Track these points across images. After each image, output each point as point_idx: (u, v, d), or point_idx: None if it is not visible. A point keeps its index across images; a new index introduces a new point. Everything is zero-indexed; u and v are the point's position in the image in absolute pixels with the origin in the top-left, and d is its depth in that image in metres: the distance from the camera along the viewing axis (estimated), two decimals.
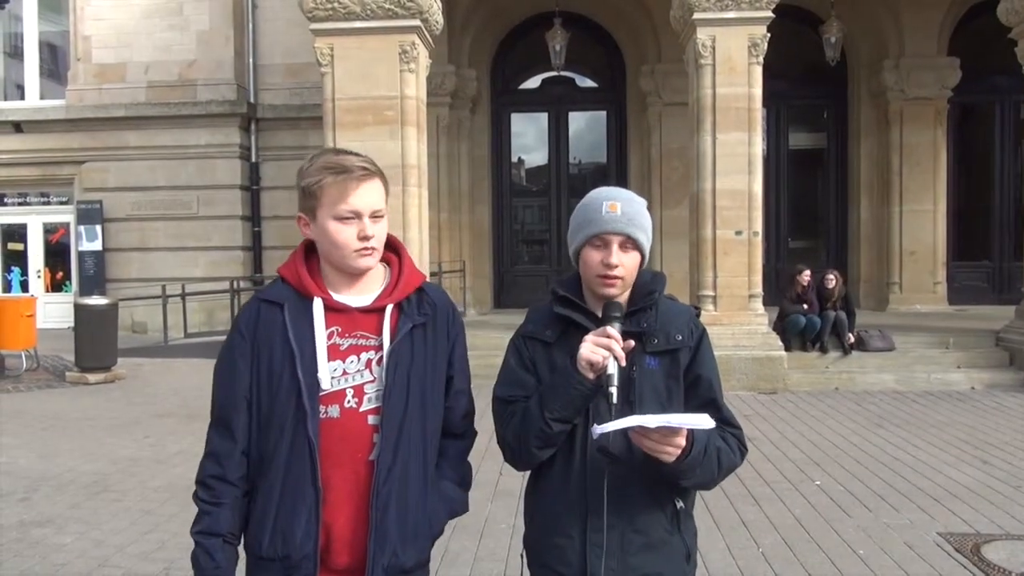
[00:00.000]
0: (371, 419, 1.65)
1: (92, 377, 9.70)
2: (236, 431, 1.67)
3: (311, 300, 1.66)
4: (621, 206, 1.71)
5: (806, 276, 9.93)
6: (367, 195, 1.63)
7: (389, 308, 1.69)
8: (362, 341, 1.67)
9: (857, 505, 4.95)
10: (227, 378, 1.69)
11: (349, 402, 1.64)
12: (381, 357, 1.66)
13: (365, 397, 1.65)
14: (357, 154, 1.67)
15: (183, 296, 12.41)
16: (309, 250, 1.74)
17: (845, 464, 5.91)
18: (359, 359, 1.66)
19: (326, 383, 1.62)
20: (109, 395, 9.07)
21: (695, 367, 1.74)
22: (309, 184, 1.64)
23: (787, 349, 9.40)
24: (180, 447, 6.53)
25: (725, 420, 1.73)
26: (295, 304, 1.66)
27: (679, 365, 1.73)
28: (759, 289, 9.38)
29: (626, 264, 1.71)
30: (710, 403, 1.73)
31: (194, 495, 1.69)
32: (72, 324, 10.27)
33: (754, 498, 5.07)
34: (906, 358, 9.59)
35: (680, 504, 1.73)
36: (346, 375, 1.65)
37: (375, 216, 1.65)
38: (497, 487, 5.09)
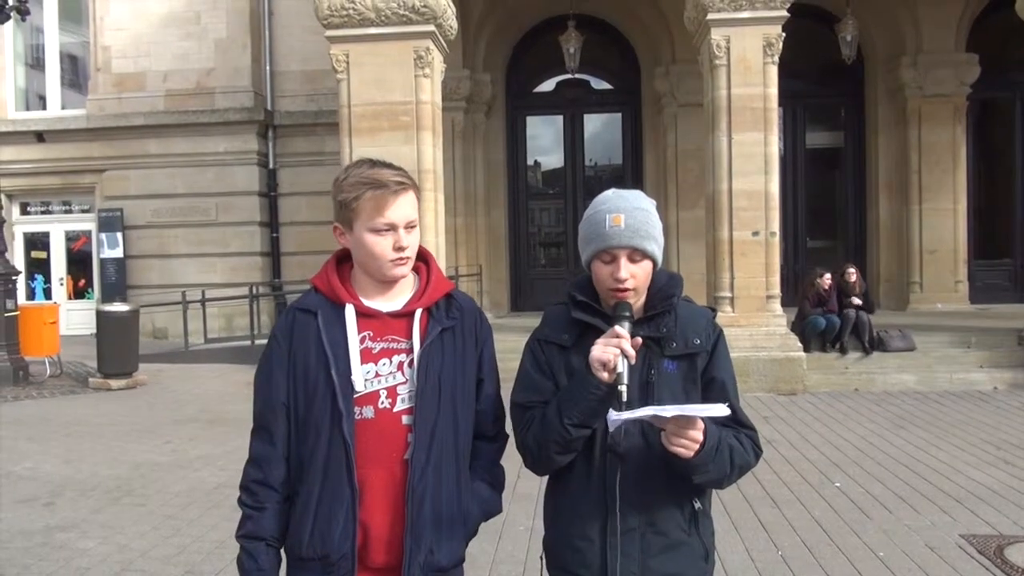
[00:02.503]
0: (405, 419, 1.70)
1: (114, 383, 9.80)
2: (276, 437, 1.73)
3: (343, 307, 1.72)
4: (625, 218, 1.70)
5: (827, 280, 9.86)
6: (402, 208, 1.68)
7: (419, 312, 1.75)
8: (393, 344, 1.72)
9: (878, 507, 4.91)
10: (266, 386, 1.75)
11: (383, 403, 1.70)
12: (412, 359, 1.71)
13: (398, 398, 1.70)
14: (391, 166, 1.72)
15: (203, 302, 12.52)
16: (340, 259, 1.81)
17: (865, 465, 5.86)
18: (391, 362, 1.71)
19: (360, 385, 1.68)
20: (131, 401, 9.16)
21: (711, 370, 1.75)
22: (346, 198, 1.69)
23: (806, 350, 9.33)
24: (201, 452, 6.59)
25: (739, 421, 1.73)
26: (328, 311, 1.73)
27: (696, 368, 1.74)
28: (777, 290, 9.32)
29: (637, 274, 1.71)
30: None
31: (239, 500, 1.76)
32: (94, 331, 10.38)
33: (773, 500, 5.04)
34: (927, 358, 9.50)
35: (698, 504, 1.73)
36: (379, 377, 1.70)
37: (409, 227, 1.70)
38: (515, 490, 5.08)
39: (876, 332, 9.65)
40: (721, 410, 1.56)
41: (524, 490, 5.07)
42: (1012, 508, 4.80)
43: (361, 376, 1.68)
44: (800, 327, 9.67)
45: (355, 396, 1.68)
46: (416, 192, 1.73)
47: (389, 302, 1.76)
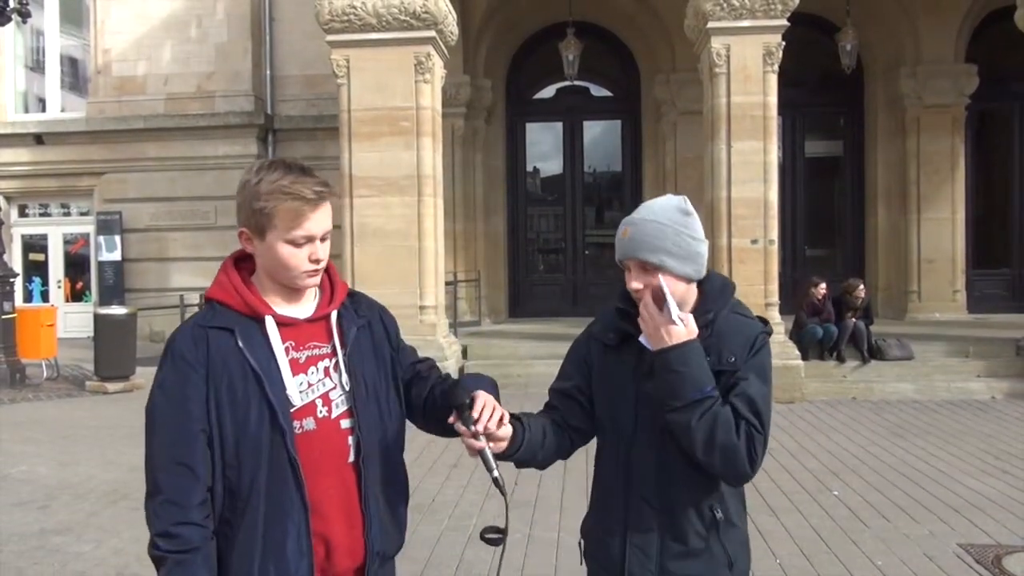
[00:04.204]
0: (344, 423, 1.67)
1: (111, 386, 9.78)
2: (197, 468, 1.57)
3: (260, 320, 1.65)
4: (632, 231, 1.71)
5: (822, 289, 9.89)
6: (321, 220, 1.64)
7: (334, 315, 1.73)
8: (316, 351, 1.69)
9: (876, 515, 4.90)
10: (177, 414, 1.58)
11: (321, 412, 1.66)
12: (336, 363, 1.69)
13: (333, 404, 1.67)
14: (309, 172, 1.65)
15: (201, 306, 12.50)
16: (234, 264, 1.72)
17: (863, 474, 5.86)
18: (318, 368, 1.68)
19: (296, 399, 1.63)
20: (128, 404, 9.14)
21: (734, 379, 1.70)
22: (262, 207, 1.60)
23: (804, 359, 9.33)
24: None
25: (749, 411, 1.67)
26: (244, 326, 1.63)
27: (724, 385, 1.70)
28: (775, 298, 9.32)
29: (653, 284, 1.70)
30: (738, 395, 1.68)
31: (153, 549, 1.58)
32: (92, 334, 10.36)
33: (771, 508, 5.04)
34: (925, 367, 9.50)
35: (719, 513, 1.72)
36: (311, 387, 1.66)
37: (324, 238, 1.67)
38: (512, 496, 5.08)
39: (874, 341, 9.66)
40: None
41: (521, 497, 5.07)
42: (1010, 518, 4.80)
43: (296, 389, 1.63)
44: (797, 336, 9.67)
45: (294, 409, 1.62)
46: (332, 199, 1.69)
47: (301, 308, 1.71)
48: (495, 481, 1.62)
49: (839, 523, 4.77)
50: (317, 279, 1.70)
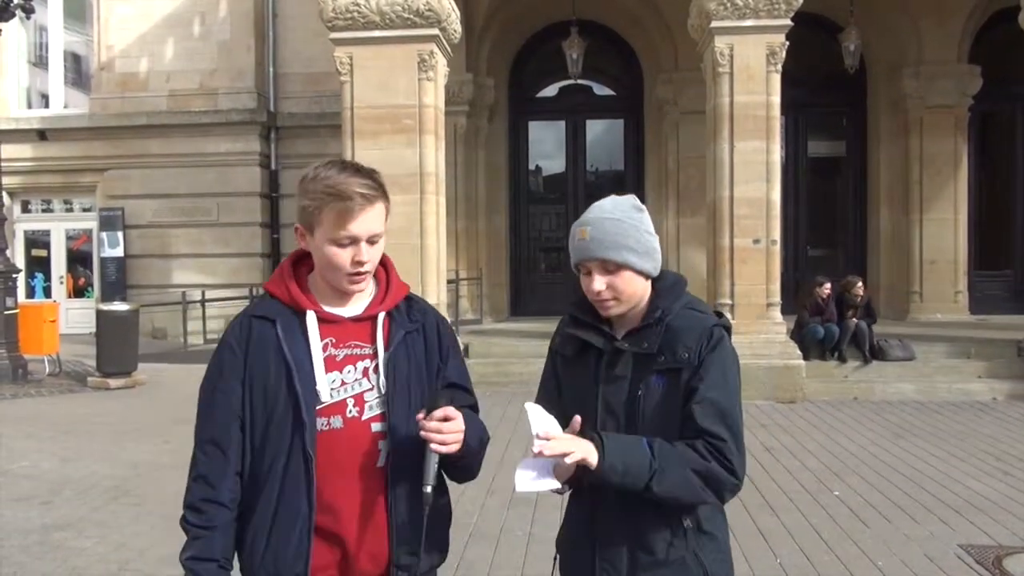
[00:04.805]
0: (375, 427, 1.64)
1: (113, 382, 9.79)
2: (229, 451, 1.63)
3: (303, 314, 1.65)
4: (590, 230, 1.67)
5: (826, 289, 9.87)
6: (366, 222, 1.61)
7: (381, 316, 1.69)
8: (357, 351, 1.67)
9: (876, 516, 4.90)
10: (219, 396, 1.65)
11: (351, 412, 1.64)
12: (377, 365, 1.66)
13: (366, 405, 1.65)
14: (362, 172, 1.64)
15: (203, 302, 12.53)
16: (296, 261, 1.73)
17: (864, 474, 5.86)
18: (356, 368, 1.66)
19: (325, 395, 1.61)
20: (130, 400, 9.16)
21: (693, 380, 1.66)
22: (308, 204, 1.62)
23: (805, 358, 9.33)
24: None
25: (703, 429, 1.63)
26: (287, 318, 1.65)
27: (681, 382, 1.67)
28: (777, 298, 9.32)
29: (615, 284, 1.68)
30: (691, 415, 1.64)
31: (182, 520, 1.66)
32: (94, 330, 10.38)
33: (772, 508, 5.04)
34: (927, 368, 9.50)
35: (688, 522, 1.68)
36: (344, 385, 1.64)
37: (372, 240, 1.64)
38: (513, 496, 5.09)
39: (876, 341, 9.66)
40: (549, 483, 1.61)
41: (521, 496, 5.07)
42: (1011, 519, 4.80)
43: (327, 385, 1.62)
44: (799, 336, 9.67)
45: (322, 406, 1.61)
46: (385, 201, 1.65)
47: (349, 306, 1.70)
48: (424, 494, 1.57)
49: (840, 523, 4.77)
50: (362, 284, 1.67)
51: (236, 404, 1.63)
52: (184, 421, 6.72)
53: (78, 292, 14.77)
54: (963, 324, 12.26)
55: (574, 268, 1.74)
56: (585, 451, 1.57)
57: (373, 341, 1.68)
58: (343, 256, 1.61)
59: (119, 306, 10.50)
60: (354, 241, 1.61)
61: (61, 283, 14.74)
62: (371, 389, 1.65)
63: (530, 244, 15.03)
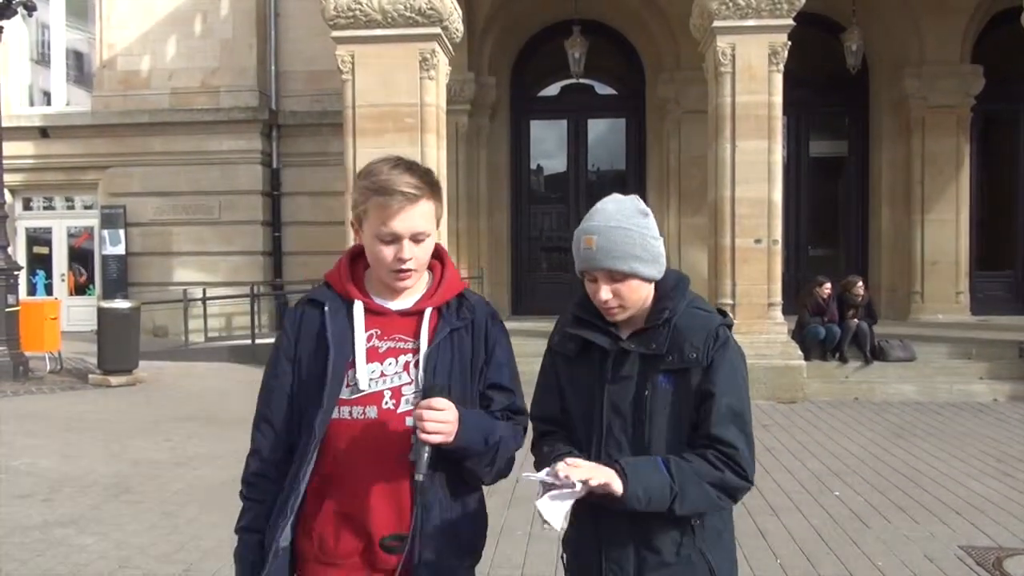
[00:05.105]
0: (409, 420, 1.64)
1: (114, 380, 9.80)
2: (277, 428, 1.71)
3: (352, 303, 1.70)
4: (597, 239, 1.66)
5: (827, 289, 9.86)
6: (409, 220, 1.62)
7: (428, 311, 1.70)
8: (400, 344, 1.69)
9: (876, 517, 4.90)
10: (272, 377, 1.74)
11: (387, 403, 1.66)
12: (418, 360, 1.67)
13: (403, 399, 1.66)
14: (414, 169, 1.65)
15: (204, 300, 12.53)
16: (356, 254, 1.77)
17: (864, 475, 5.86)
18: (397, 361, 1.68)
19: (364, 384, 1.65)
20: (131, 398, 9.17)
21: (703, 383, 1.67)
22: (357, 199, 1.67)
23: (806, 359, 9.33)
24: (200, 450, 6.59)
25: (715, 437, 1.65)
26: (335, 304, 1.70)
27: (691, 383, 1.67)
28: (778, 298, 9.32)
29: (621, 292, 1.68)
30: (703, 421, 1.66)
31: (240, 491, 1.75)
32: (95, 327, 10.39)
33: (772, 508, 5.04)
34: (927, 368, 9.49)
35: (695, 521, 1.68)
36: (384, 377, 1.67)
37: (416, 239, 1.64)
38: (514, 494, 5.09)
39: (877, 342, 9.65)
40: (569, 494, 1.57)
41: (522, 494, 5.07)
42: (1011, 520, 4.79)
43: (366, 375, 1.65)
44: (800, 336, 9.67)
45: (359, 395, 1.64)
46: (434, 199, 1.66)
47: (399, 300, 1.72)
48: (416, 483, 1.58)
49: (840, 524, 4.76)
50: (407, 281, 1.68)
51: (287, 383, 1.71)
52: (184, 419, 6.77)
53: (79, 290, 14.78)
54: (964, 325, 12.25)
55: (579, 273, 1.73)
56: (608, 477, 1.58)
57: (417, 336, 1.69)
58: (386, 252, 1.65)
59: (120, 304, 10.52)
60: (396, 238, 1.63)
61: (62, 280, 14.75)
62: (410, 383, 1.67)
63: (531, 243, 15.02)
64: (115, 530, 4.62)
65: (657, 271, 1.71)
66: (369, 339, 1.68)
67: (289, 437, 1.70)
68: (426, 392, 1.61)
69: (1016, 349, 9.72)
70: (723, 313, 1.78)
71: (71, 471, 5.93)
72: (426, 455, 1.57)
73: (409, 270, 1.66)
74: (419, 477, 1.57)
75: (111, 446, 6.74)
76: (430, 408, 1.56)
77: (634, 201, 1.72)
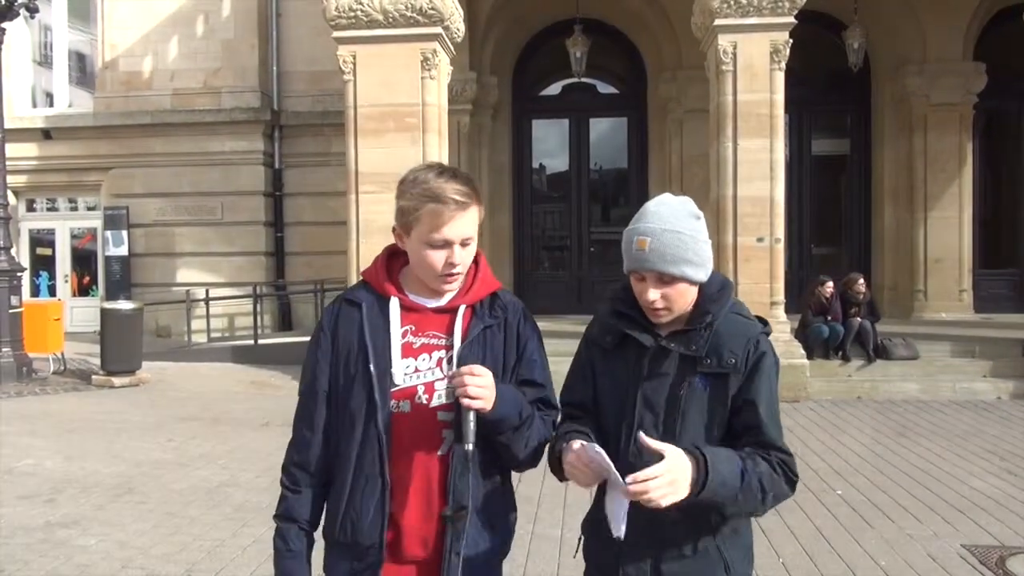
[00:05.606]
0: (441, 415, 1.70)
1: (117, 380, 9.82)
2: (316, 423, 1.76)
3: (388, 300, 1.75)
4: (650, 242, 1.66)
5: (829, 288, 9.85)
6: (459, 226, 1.68)
7: (462, 309, 1.75)
8: (434, 340, 1.73)
9: (879, 515, 4.90)
10: (309, 373, 1.78)
11: (420, 398, 1.70)
12: (451, 356, 1.71)
13: (435, 394, 1.71)
14: (459, 177, 1.69)
15: (207, 301, 12.55)
16: (393, 252, 1.82)
17: (867, 474, 5.85)
18: (431, 357, 1.73)
19: (399, 379, 1.69)
20: (134, 398, 9.18)
21: (744, 392, 1.69)
22: (406, 207, 1.70)
23: (809, 357, 9.32)
24: (203, 450, 6.59)
25: (770, 444, 1.70)
26: (372, 303, 1.75)
27: (728, 389, 1.69)
28: (781, 296, 9.30)
29: (669, 295, 1.69)
30: (752, 429, 1.69)
31: (280, 479, 1.80)
32: (98, 328, 10.41)
33: (775, 507, 5.02)
34: (931, 367, 9.48)
35: (715, 516, 1.70)
36: (418, 372, 1.71)
37: (464, 243, 1.70)
38: (516, 493, 5.10)
39: (880, 340, 9.64)
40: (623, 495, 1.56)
41: (525, 493, 5.07)
42: (1015, 519, 4.79)
43: (401, 370, 1.70)
44: (803, 335, 9.66)
45: (393, 390, 1.69)
46: (479, 206, 1.72)
47: (434, 298, 1.77)
48: (464, 451, 1.61)
49: (842, 523, 4.76)
50: (454, 284, 1.75)
51: (324, 380, 1.76)
52: (187, 419, 6.78)
53: (82, 291, 14.81)
54: (968, 323, 12.22)
55: (626, 271, 1.74)
56: (684, 474, 1.55)
57: (451, 333, 1.74)
58: (436, 258, 1.69)
59: (123, 304, 10.53)
60: (447, 244, 1.68)
61: (66, 282, 14.78)
62: (443, 379, 1.71)
63: (533, 242, 15.01)
64: (118, 531, 4.63)
65: (704, 274, 1.72)
66: (404, 335, 1.73)
67: (324, 433, 1.76)
68: (461, 361, 1.66)
69: (1020, 347, 9.70)
70: (763, 321, 1.79)
71: (74, 472, 5.94)
72: (472, 423, 1.61)
73: (457, 274, 1.72)
74: (468, 447, 1.61)
75: (114, 447, 6.75)
76: (471, 374, 1.60)
77: (687, 204, 1.73)
